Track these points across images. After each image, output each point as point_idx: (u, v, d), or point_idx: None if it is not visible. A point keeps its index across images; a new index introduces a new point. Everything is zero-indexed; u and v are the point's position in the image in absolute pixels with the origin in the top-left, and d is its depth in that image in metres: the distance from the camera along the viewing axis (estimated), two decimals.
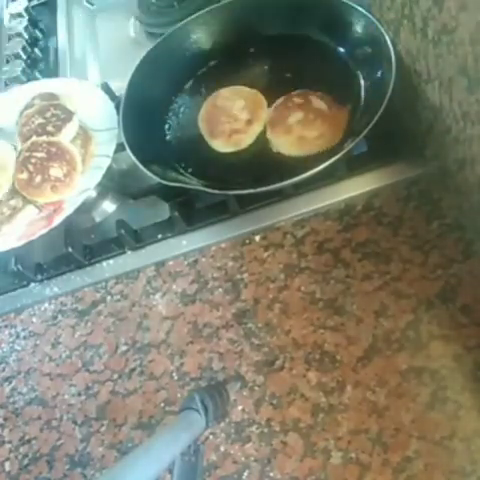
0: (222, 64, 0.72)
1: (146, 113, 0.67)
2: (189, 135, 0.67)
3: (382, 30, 0.59)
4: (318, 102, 0.62)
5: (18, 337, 0.65)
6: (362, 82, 0.64)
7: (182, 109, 0.70)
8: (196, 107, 0.69)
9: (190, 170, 0.63)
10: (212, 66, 0.72)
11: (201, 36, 0.71)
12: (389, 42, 0.57)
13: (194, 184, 0.61)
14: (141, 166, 0.58)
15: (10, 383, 0.63)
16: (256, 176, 0.58)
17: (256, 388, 0.54)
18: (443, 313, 0.52)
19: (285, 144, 0.61)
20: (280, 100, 0.63)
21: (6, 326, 0.66)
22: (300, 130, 0.60)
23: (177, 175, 0.62)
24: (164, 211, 0.64)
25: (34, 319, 0.66)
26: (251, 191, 0.56)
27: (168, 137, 0.68)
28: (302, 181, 0.55)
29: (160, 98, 0.70)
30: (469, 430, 0.47)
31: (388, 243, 0.57)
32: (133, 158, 0.59)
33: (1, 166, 0.62)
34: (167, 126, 0.69)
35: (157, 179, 0.58)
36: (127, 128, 0.63)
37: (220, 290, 0.61)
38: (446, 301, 0.53)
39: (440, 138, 0.53)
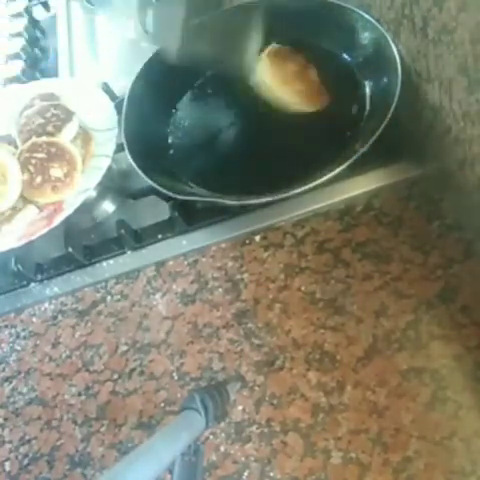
0: (223, 72, 0.71)
1: (148, 123, 0.67)
2: (192, 146, 0.67)
3: (387, 36, 0.59)
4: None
5: (18, 337, 0.65)
6: (368, 88, 0.64)
7: (183, 121, 0.70)
8: (197, 117, 0.69)
9: (198, 181, 0.63)
10: (210, 75, 0.72)
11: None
12: (394, 48, 0.57)
13: (206, 195, 0.61)
14: (150, 181, 0.58)
15: (10, 383, 0.63)
16: (263, 181, 0.58)
17: (256, 388, 0.54)
18: (443, 313, 0.52)
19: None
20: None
21: (6, 326, 0.66)
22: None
23: (184, 186, 0.63)
24: (164, 211, 0.64)
25: (34, 319, 0.66)
26: (269, 199, 0.56)
27: (172, 151, 0.68)
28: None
29: (160, 111, 0.70)
30: (469, 430, 0.47)
31: (388, 243, 0.57)
32: (141, 173, 0.59)
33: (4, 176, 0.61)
34: (170, 140, 0.69)
35: (168, 193, 0.58)
36: (130, 140, 0.63)
37: (220, 290, 0.61)
38: (446, 301, 0.53)
39: (440, 138, 0.52)
